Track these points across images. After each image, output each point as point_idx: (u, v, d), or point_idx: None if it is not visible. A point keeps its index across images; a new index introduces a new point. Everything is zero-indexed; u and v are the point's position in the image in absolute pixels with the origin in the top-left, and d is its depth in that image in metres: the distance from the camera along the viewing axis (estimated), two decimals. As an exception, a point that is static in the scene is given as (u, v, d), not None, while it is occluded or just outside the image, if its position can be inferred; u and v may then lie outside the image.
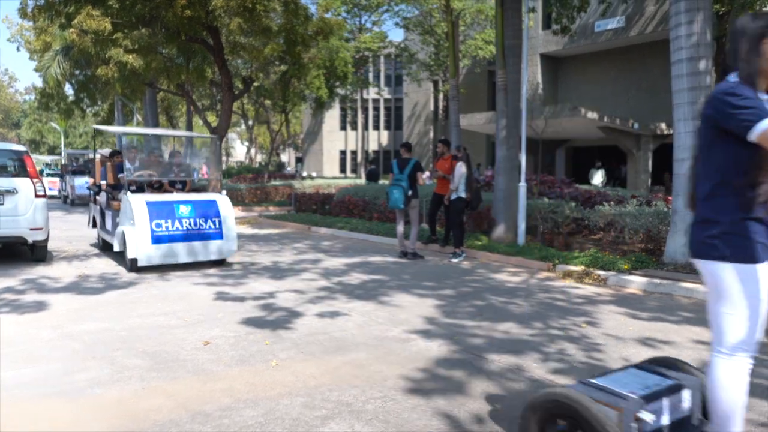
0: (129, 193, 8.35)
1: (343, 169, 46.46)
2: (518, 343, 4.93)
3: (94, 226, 10.63)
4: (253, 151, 54.17)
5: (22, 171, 8.66)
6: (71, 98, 31.82)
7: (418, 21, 30.57)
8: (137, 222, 7.96)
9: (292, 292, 6.94)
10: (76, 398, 3.66)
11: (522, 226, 10.21)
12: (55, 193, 26.58)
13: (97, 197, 10.31)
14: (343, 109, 45.60)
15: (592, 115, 20.55)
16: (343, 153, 46.63)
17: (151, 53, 16.95)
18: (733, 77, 2.49)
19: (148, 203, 8.13)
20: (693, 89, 7.98)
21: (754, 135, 2.32)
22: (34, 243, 8.73)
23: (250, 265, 8.85)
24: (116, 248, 8.50)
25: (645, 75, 25.28)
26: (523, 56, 10.66)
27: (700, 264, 2.61)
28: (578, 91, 27.90)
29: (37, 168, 11.68)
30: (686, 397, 2.71)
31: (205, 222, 8.46)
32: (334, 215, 15.23)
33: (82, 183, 21.85)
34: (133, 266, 8.03)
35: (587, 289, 7.35)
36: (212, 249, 8.49)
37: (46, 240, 8.90)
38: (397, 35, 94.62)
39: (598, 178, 20.78)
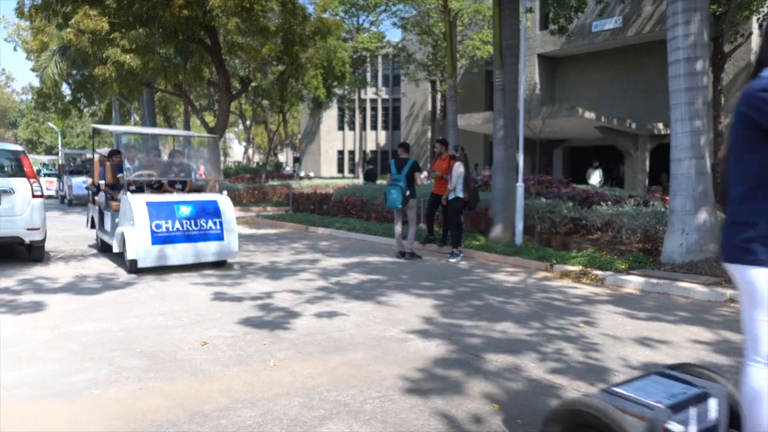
0: (128, 193, 8.27)
1: (340, 169, 46.45)
2: (516, 342, 4.93)
3: (93, 226, 10.53)
4: (250, 151, 54.11)
5: (19, 171, 8.64)
6: (68, 98, 31.77)
7: (416, 21, 30.59)
8: (137, 223, 7.87)
9: (289, 292, 6.94)
10: (73, 399, 3.66)
11: (519, 226, 10.22)
12: (52, 193, 26.53)
13: (95, 197, 10.21)
14: (340, 109, 45.58)
15: (590, 115, 20.58)
16: (340, 153, 46.62)
17: (148, 53, 16.93)
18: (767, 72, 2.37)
19: (148, 203, 8.04)
20: (690, 89, 8.00)
21: None
22: (31, 243, 8.70)
23: (247, 265, 8.84)
24: (115, 249, 8.39)
25: (642, 75, 25.32)
26: (521, 56, 10.67)
27: (733, 269, 2.47)
28: (576, 91, 27.93)
29: (35, 168, 11.62)
30: (713, 407, 2.58)
31: (206, 223, 8.36)
32: (332, 215, 15.23)
33: (79, 183, 21.81)
34: (132, 267, 7.93)
35: (585, 289, 7.36)
36: (213, 250, 8.39)
37: (44, 240, 8.88)
38: (394, 35, 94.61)
39: (595, 178, 20.81)
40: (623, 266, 8.06)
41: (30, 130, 65.13)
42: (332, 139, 46.49)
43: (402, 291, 7.06)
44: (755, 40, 21.42)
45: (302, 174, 39.40)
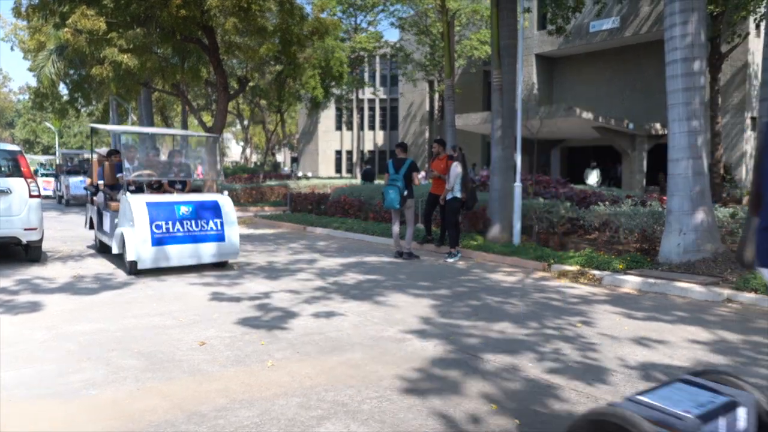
0: (128, 193, 8.17)
1: (338, 169, 46.44)
2: (514, 342, 4.94)
3: (92, 227, 10.43)
4: (248, 151, 54.06)
5: (16, 171, 8.62)
6: (66, 98, 31.71)
7: (414, 21, 30.60)
8: (137, 223, 7.76)
9: (287, 292, 6.93)
10: (71, 399, 3.65)
11: (517, 226, 10.23)
12: (49, 193, 26.47)
13: (94, 198, 10.10)
14: (338, 109, 45.58)
15: (587, 115, 20.61)
16: (338, 153, 46.61)
17: (146, 53, 16.90)
18: None
19: (148, 204, 7.93)
20: (687, 90, 8.02)
21: None
22: (29, 243, 8.69)
23: (245, 266, 8.83)
24: (115, 250, 8.25)
25: (640, 75, 25.36)
26: (519, 56, 10.68)
27: None
28: (573, 92, 27.97)
29: (32, 168, 11.58)
30: (742, 416, 2.46)
31: (207, 223, 8.25)
32: (330, 215, 15.22)
33: (77, 183, 21.76)
34: (132, 269, 7.82)
35: (582, 289, 7.37)
36: (214, 251, 8.27)
37: (41, 240, 8.86)
38: (392, 35, 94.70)
39: (593, 178, 20.84)
40: (621, 266, 8.07)
41: (27, 130, 65.01)
42: (330, 139, 46.48)
43: (400, 291, 7.06)
44: (752, 41, 21.47)
45: (300, 174, 39.38)
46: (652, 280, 7.37)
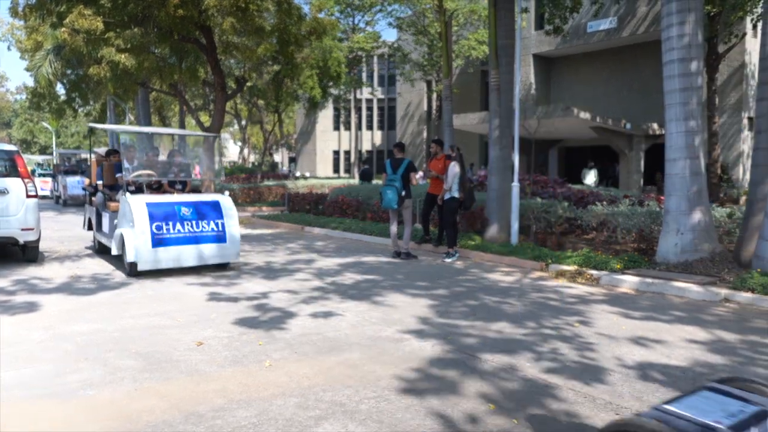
0: (128, 193, 8.07)
1: (336, 169, 46.43)
2: (511, 342, 4.94)
3: (90, 228, 10.32)
4: (246, 151, 54.05)
5: (13, 171, 8.60)
6: (63, 98, 31.67)
7: (412, 21, 30.61)
8: (137, 224, 7.65)
9: (285, 292, 6.93)
10: (68, 399, 3.65)
11: (515, 225, 10.23)
12: (47, 193, 26.42)
13: (93, 198, 9.99)
14: (336, 109, 45.58)
15: (585, 115, 20.63)
16: (336, 153, 46.61)
17: (143, 53, 16.87)
18: None
19: (148, 204, 7.81)
20: (684, 90, 8.03)
21: None
22: (26, 243, 8.67)
23: (243, 266, 8.82)
24: (114, 251, 8.12)
25: (637, 75, 25.40)
26: (516, 56, 10.69)
27: None
28: (571, 92, 28.00)
29: (29, 168, 11.53)
30: None
31: (208, 224, 8.13)
32: (328, 215, 15.22)
33: (74, 183, 21.72)
34: (132, 270, 7.70)
35: (580, 289, 7.38)
36: (215, 252, 8.16)
37: (38, 240, 8.84)
38: (390, 35, 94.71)
39: (590, 178, 20.87)
40: (618, 266, 8.08)
41: (24, 130, 64.88)
42: (328, 139, 46.47)
43: (398, 291, 7.06)
44: (749, 41, 21.52)
45: (298, 174, 39.38)
46: (649, 280, 7.38)
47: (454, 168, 9.59)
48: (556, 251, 9.34)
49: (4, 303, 6.22)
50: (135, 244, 7.63)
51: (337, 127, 46.42)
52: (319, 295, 6.81)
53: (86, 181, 11.12)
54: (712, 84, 18.54)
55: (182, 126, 31.86)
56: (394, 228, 9.90)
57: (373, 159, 43.49)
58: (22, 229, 8.48)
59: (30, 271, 8.17)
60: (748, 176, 15.88)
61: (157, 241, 7.73)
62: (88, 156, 11.26)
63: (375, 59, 42.62)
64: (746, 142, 22.28)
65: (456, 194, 9.62)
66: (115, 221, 8.48)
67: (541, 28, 26.29)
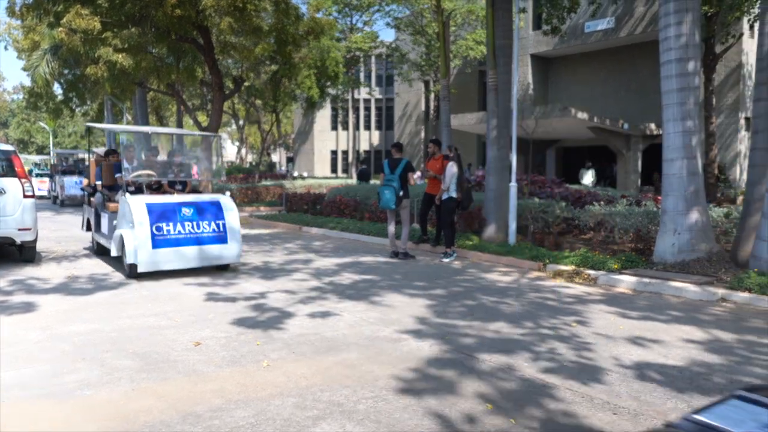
0: (127, 194, 7.93)
1: (334, 169, 46.42)
2: (509, 342, 4.94)
3: (89, 229, 10.18)
4: (243, 151, 54.02)
5: (10, 171, 8.58)
6: (60, 98, 31.63)
7: (409, 21, 30.61)
8: (137, 225, 7.50)
9: (283, 292, 6.92)
10: (65, 399, 3.64)
11: (513, 225, 10.24)
12: (44, 193, 26.37)
13: (91, 198, 9.85)
14: (334, 109, 45.56)
15: (582, 115, 20.66)
16: (334, 153, 46.59)
17: (140, 52, 16.87)
18: None
19: (148, 205, 7.67)
20: (682, 90, 8.04)
21: None
22: (23, 243, 8.65)
23: (241, 266, 8.81)
24: (114, 253, 7.99)
25: (634, 76, 25.44)
26: (514, 56, 10.70)
27: None
28: (568, 92, 28.03)
29: (26, 168, 11.47)
30: None
31: (209, 225, 7.98)
32: (326, 215, 15.21)
33: (72, 183, 21.67)
34: (132, 272, 7.57)
35: (577, 289, 7.38)
36: (216, 254, 8.00)
37: (35, 241, 8.82)
38: (388, 35, 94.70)
39: (588, 178, 20.89)
40: (616, 266, 8.09)
41: (21, 130, 64.73)
42: (325, 138, 46.45)
43: (395, 291, 7.06)
44: (746, 41, 21.56)
45: (296, 174, 39.36)
46: (646, 280, 7.39)
47: (451, 168, 9.59)
48: (553, 251, 9.34)
49: (1, 303, 6.21)
50: (135, 245, 7.49)
51: (334, 127, 46.41)
52: (317, 295, 6.81)
53: (85, 181, 10.99)
54: (709, 84, 18.58)
55: (180, 126, 31.81)
56: (391, 228, 9.90)
57: (371, 159, 43.48)
58: (19, 229, 8.46)
59: (27, 272, 8.15)
60: (745, 176, 15.92)
61: (158, 242, 7.58)
62: (86, 156, 11.18)
63: (373, 59, 42.62)
64: (743, 143, 22.32)
65: (454, 194, 9.63)
66: (115, 222, 8.37)
67: (538, 29, 26.31)
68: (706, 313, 6.12)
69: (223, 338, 4.98)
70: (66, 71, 26.89)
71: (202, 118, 36.41)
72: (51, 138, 51.96)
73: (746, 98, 22.29)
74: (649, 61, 22.90)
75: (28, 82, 33.71)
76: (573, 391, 3.83)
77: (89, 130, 11.39)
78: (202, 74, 24.52)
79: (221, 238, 8.06)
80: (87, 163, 11.50)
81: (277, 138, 43.30)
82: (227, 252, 8.12)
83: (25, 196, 8.55)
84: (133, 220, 7.55)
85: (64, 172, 22.92)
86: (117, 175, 9.18)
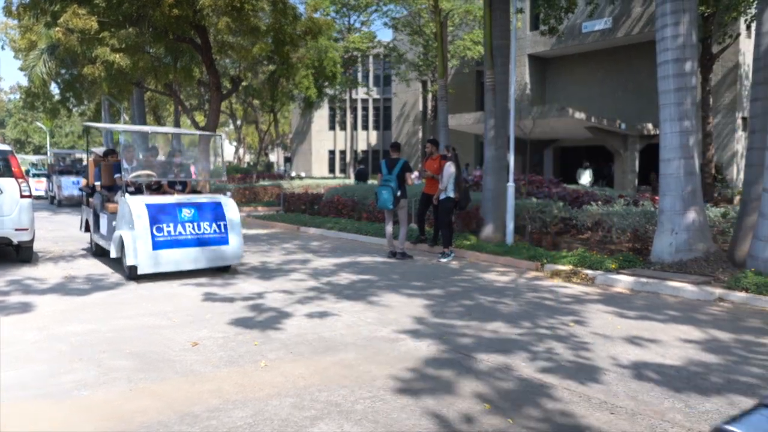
0: (127, 194, 7.81)
1: (332, 169, 46.40)
2: (507, 342, 4.95)
3: (87, 229, 10.06)
4: (241, 151, 53.95)
5: (6, 171, 8.56)
6: (57, 98, 31.55)
7: (407, 21, 30.60)
8: (137, 226, 7.38)
9: (281, 292, 6.92)
10: (62, 400, 3.63)
11: (510, 225, 10.25)
12: (41, 193, 26.30)
13: (90, 199, 9.73)
14: (332, 109, 45.53)
15: (580, 115, 20.68)
16: (332, 153, 46.57)
17: (138, 52, 16.84)
18: None
19: (148, 206, 7.56)
20: (679, 90, 8.06)
21: None
22: (20, 244, 8.63)
23: (238, 266, 8.80)
24: (113, 254, 7.86)
25: (632, 76, 25.48)
26: (511, 57, 10.70)
27: None
28: (566, 92, 28.06)
29: (23, 168, 11.42)
30: None
31: (210, 226, 7.85)
32: (323, 215, 15.21)
33: (69, 183, 21.62)
34: (132, 274, 7.44)
35: (575, 289, 7.39)
36: (217, 255, 7.88)
37: (32, 241, 8.80)
38: (385, 35, 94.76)
39: (585, 178, 20.91)
40: (613, 266, 8.10)
41: (18, 130, 64.61)
42: (323, 138, 46.43)
43: (393, 291, 7.06)
44: (743, 41, 21.61)
45: (293, 174, 39.33)
46: (644, 280, 7.40)
47: (449, 168, 9.60)
48: (551, 251, 9.35)
49: (-3, 303, 6.19)
50: (135, 246, 7.37)
51: (332, 127, 46.39)
52: (315, 295, 6.80)
53: (83, 181, 10.86)
54: (706, 84, 18.62)
55: (177, 126, 31.77)
56: (389, 228, 9.89)
57: (369, 159, 43.47)
58: (16, 230, 8.44)
59: (24, 272, 8.13)
60: (742, 176, 15.94)
61: (158, 244, 7.46)
62: (83, 156, 11.11)
63: (370, 59, 42.60)
64: (740, 142, 22.38)
65: (451, 194, 9.63)
66: (114, 223, 8.27)
67: (536, 29, 26.33)
68: (704, 313, 6.14)
69: (220, 338, 4.97)
70: (63, 71, 26.82)
71: (200, 118, 36.39)
72: (48, 138, 51.87)
73: (743, 98, 22.34)
74: (647, 62, 22.94)
75: (25, 82, 33.68)
76: (570, 391, 3.84)
77: (87, 129, 11.30)
78: (199, 74, 24.49)
79: (222, 239, 7.95)
80: (85, 163, 11.44)
81: (274, 138, 43.29)
82: (228, 253, 8.01)
83: (22, 196, 8.53)
84: (133, 221, 7.44)
85: (62, 172, 22.87)
86: (116, 176, 9.05)
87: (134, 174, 8.50)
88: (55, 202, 22.76)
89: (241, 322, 5.51)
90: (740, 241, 8.02)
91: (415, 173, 10.07)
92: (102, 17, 15.65)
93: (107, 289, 7.00)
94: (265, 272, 8.30)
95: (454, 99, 30.46)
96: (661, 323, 5.67)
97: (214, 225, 7.92)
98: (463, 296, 6.80)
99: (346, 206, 14.63)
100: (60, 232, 13.00)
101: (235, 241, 8.04)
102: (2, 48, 36.73)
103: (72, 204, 21.89)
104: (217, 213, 8.01)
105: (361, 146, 44.88)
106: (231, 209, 8.16)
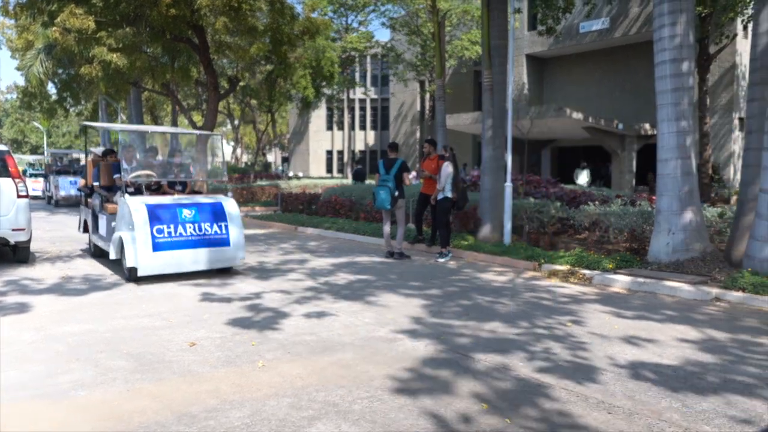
0: (126, 195, 7.70)
1: (329, 169, 46.39)
2: (504, 342, 4.95)
3: (86, 230, 9.96)
4: (239, 151, 53.90)
5: (3, 171, 8.53)
6: (54, 97, 31.48)
7: (405, 21, 30.62)
8: (137, 227, 7.27)
9: (278, 292, 6.92)
10: (59, 400, 3.63)
11: (508, 225, 10.26)
12: (38, 193, 26.26)
13: (89, 199, 9.63)
14: (329, 109, 45.52)
15: (577, 115, 20.71)
16: (329, 153, 46.57)
17: (135, 52, 16.81)
18: None
19: (149, 206, 7.45)
20: (676, 90, 8.07)
21: None
22: (17, 244, 8.61)
23: (240, 267, 8.78)
24: (113, 256, 7.74)
25: (629, 76, 25.52)
26: (509, 57, 10.71)
27: None
28: (563, 92, 28.10)
29: (20, 168, 11.38)
30: None
31: (211, 227, 7.73)
32: (321, 215, 15.20)
33: (66, 183, 21.58)
34: (132, 276, 7.32)
35: (572, 288, 7.40)
36: (218, 257, 7.77)
37: (29, 241, 8.79)
38: (383, 35, 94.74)
39: (583, 178, 20.95)
40: (610, 265, 8.11)
41: (15, 130, 64.49)
42: (321, 138, 46.42)
43: (391, 291, 7.06)
44: (740, 42, 21.66)
45: (291, 174, 39.31)
46: (641, 280, 7.41)
47: (447, 168, 9.60)
48: (548, 251, 9.37)
49: (-6, 304, 6.18)
50: (135, 248, 7.26)
51: (330, 127, 46.38)
52: (312, 295, 6.80)
53: (81, 181, 10.72)
54: (703, 85, 18.66)
55: (174, 126, 31.72)
56: (387, 228, 9.89)
57: (366, 159, 43.46)
58: (13, 230, 8.42)
59: (21, 272, 8.12)
60: (738, 176, 15.99)
61: (158, 245, 7.34)
62: (81, 156, 11.03)
63: (368, 59, 42.61)
64: (737, 143, 22.43)
65: (449, 194, 9.63)
66: (113, 224, 8.17)
67: (533, 29, 26.37)
68: (701, 313, 6.15)
69: (218, 338, 4.97)
70: (60, 71, 26.77)
71: (197, 118, 36.33)
72: (45, 138, 51.76)
73: (740, 99, 22.39)
74: (644, 62, 22.98)
75: (21, 82, 33.60)
76: (568, 391, 3.84)
77: (85, 129, 11.16)
78: (197, 74, 24.46)
79: (223, 240, 7.82)
80: (82, 162, 11.39)
81: (272, 138, 43.28)
82: (230, 255, 7.89)
83: (19, 196, 8.51)
84: (133, 222, 7.32)
85: (59, 172, 22.82)
86: (115, 176, 8.93)
87: (134, 174, 8.40)
88: (53, 203, 22.72)
89: (238, 323, 5.51)
90: (737, 241, 8.03)
91: (413, 173, 10.06)
92: (99, 17, 15.63)
93: (104, 290, 6.99)
94: (262, 272, 8.30)
95: (452, 99, 30.47)
96: (658, 323, 5.68)
97: (215, 226, 7.80)
98: (460, 296, 6.80)
99: (344, 206, 14.63)
100: (57, 233, 12.97)
101: (236, 242, 7.92)
102: (-1, 47, 36.66)
103: (69, 204, 21.85)
104: (218, 213, 7.90)
105: (359, 146, 44.88)
106: (232, 210, 8.05)
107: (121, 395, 3.71)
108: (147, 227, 7.33)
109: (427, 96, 35.93)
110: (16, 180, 8.56)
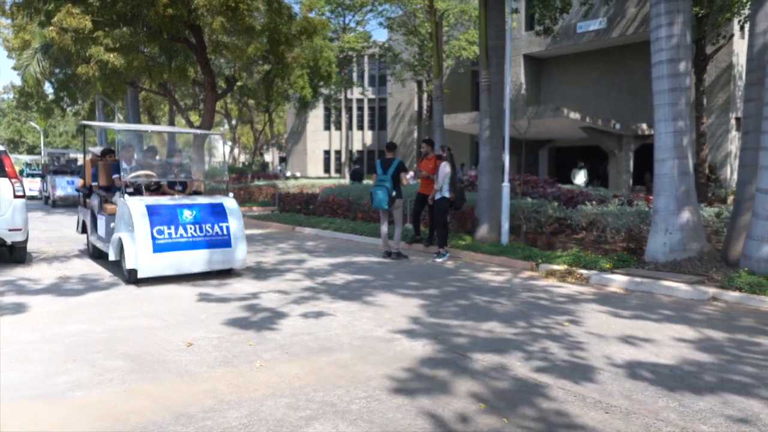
0: (126, 195, 7.57)
1: (327, 169, 46.38)
2: (502, 342, 4.96)
3: (84, 231, 9.82)
4: (236, 151, 53.87)
5: (0, 171, 8.51)
6: (51, 97, 31.44)
7: (402, 21, 30.63)
8: (136, 228, 7.14)
9: (276, 292, 6.91)
10: (56, 401, 3.62)
11: (505, 225, 10.26)
12: (35, 193, 26.20)
13: (87, 200, 9.50)
14: (327, 109, 45.52)
15: (575, 115, 20.74)
16: (327, 153, 46.56)
17: (132, 52, 16.79)
18: None
19: (149, 207, 7.32)
20: (673, 90, 8.09)
21: None
22: (13, 244, 8.59)
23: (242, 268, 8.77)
24: (112, 257, 7.61)
25: (626, 76, 25.56)
26: (507, 57, 10.72)
27: None
28: (561, 92, 28.13)
29: (17, 168, 11.34)
30: None
31: (212, 228, 7.61)
32: (318, 215, 15.20)
33: (63, 183, 21.54)
34: (132, 277, 7.20)
35: (570, 288, 7.41)
36: (219, 258, 7.63)
37: (26, 241, 8.76)
38: (381, 35, 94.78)
39: (580, 178, 20.97)
40: (608, 265, 8.13)
41: (12, 130, 64.32)
42: (318, 138, 46.41)
43: (388, 291, 7.06)
44: (737, 42, 21.71)
45: (288, 174, 39.30)
46: (638, 279, 7.43)
47: (444, 168, 9.60)
48: (546, 251, 9.37)
49: (-9, 304, 6.16)
50: (135, 249, 7.13)
51: (327, 127, 46.38)
52: (310, 295, 6.80)
53: (80, 181, 10.55)
54: (700, 85, 18.70)
55: (172, 125, 31.68)
56: (384, 228, 9.89)
57: (364, 159, 43.48)
58: (10, 230, 8.40)
59: (18, 272, 8.10)
60: (735, 176, 16.02)
61: (159, 247, 7.21)
62: (78, 155, 10.97)
63: (366, 59, 42.62)
64: (734, 143, 22.48)
65: (447, 194, 9.64)
66: (112, 225, 8.06)
67: (531, 29, 26.39)
68: (698, 312, 6.16)
69: (215, 339, 4.96)
70: (57, 70, 26.72)
71: (195, 118, 36.32)
72: (42, 138, 51.64)
73: (737, 99, 22.45)
74: (641, 62, 23.02)
75: (18, 82, 33.49)
76: (565, 390, 3.85)
77: (83, 129, 11.01)
78: (194, 74, 24.44)
79: (225, 241, 7.69)
80: (80, 162, 11.35)
81: (269, 138, 43.22)
82: (231, 256, 7.76)
83: (15, 197, 8.48)
84: (133, 222, 7.18)
85: (56, 172, 22.78)
86: (115, 176, 8.82)
87: (133, 174, 8.28)
88: (50, 203, 22.66)
89: (236, 323, 5.50)
90: (734, 241, 8.05)
91: (411, 173, 10.04)
92: (96, 16, 15.60)
93: (101, 290, 6.97)
94: (260, 272, 8.29)
95: (450, 99, 30.49)
96: (655, 323, 5.69)
97: (216, 227, 7.68)
98: (458, 296, 6.80)
99: (342, 206, 14.62)
100: (54, 233, 12.95)
101: (238, 244, 7.80)
102: (-5, 47, 36.55)
103: (66, 204, 21.81)
104: (219, 215, 7.78)
105: (357, 146, 44.88)
106: (234, 211, 7.94)
107: (118, 395, 3.70)
108: (147, 228, 7.21)
109: (425, 96, 35.94)
110: (13, 180, 8.53)
